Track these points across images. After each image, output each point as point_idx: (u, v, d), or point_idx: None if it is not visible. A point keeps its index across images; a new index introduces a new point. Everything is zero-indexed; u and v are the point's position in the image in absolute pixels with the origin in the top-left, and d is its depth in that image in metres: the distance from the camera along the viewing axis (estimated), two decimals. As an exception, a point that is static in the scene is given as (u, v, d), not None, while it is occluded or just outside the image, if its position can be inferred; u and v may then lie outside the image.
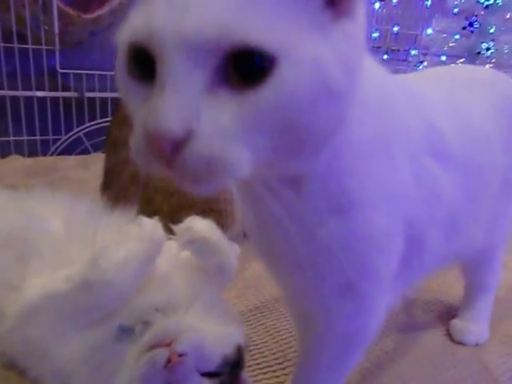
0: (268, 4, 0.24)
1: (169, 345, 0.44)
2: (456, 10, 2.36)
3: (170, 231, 0.59)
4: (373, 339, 0.44)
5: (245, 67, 0.24)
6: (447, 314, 0.75)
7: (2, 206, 0.64)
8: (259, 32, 0.23)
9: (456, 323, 0.71)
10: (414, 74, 0.58)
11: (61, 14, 1.53)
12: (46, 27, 1.53)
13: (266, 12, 0.24)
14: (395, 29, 2.18)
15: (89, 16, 1.63)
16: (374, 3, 2.24)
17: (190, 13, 0.24)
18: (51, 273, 0.55)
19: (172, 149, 0.24)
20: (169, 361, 0.43)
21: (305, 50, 0.25)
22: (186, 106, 0.24)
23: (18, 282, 0.55)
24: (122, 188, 0.80)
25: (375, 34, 2.21)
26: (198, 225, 0.58)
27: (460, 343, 0.69)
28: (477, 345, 0.68)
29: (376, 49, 2.21)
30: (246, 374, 0.53)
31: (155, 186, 0.79)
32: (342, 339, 0.43)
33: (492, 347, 0.68)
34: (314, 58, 0.25)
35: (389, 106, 0.37)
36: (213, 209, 0.78)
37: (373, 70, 0.34)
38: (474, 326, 0.70)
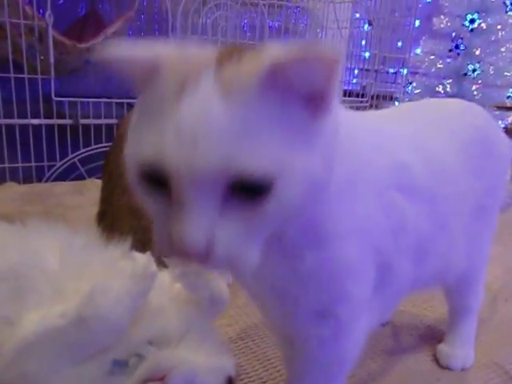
0: (263, 132, 0.29)
1: (161, 379, 0.46)
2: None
3: (163, 264, 0.61)
4: (354, 364, 0.46)
5: (248, 189, 0.29)
6: (434, 339, 0.77)
7: (5, 238, 0.66)
8: (258, 163, 0.28)
9: (442, 348, 0.73)
10: (385, 111, 0.61)
11: (56, 43, 1.57)
12: (42, 57, 1.57)
13: (262, 140, 0.29)
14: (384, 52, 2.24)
15: (84, 45, 1.67)
16: (363, 26, 2.31)
17: (198, 149, 0.28)
18: (47, 308, 0.56)
19: (197, 258, 0.30)
20: (160, 396, 0.45)
21: (296, 166, 0.30)
22: (203, 226, 0.29)
23: (14, 318, 0.57)
24: (118, 217, 0.82)
25: (367, 54, 2.27)
26: (190, 258, 0.60)
27: (446, 368, 0.70)
28: (463, 369, 0.70)
29: (366, 71, 2.27)
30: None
31: (150, 217, 0.82)
32: (322, 364, 0.45)
33: (477, 371, 0.70)
34: (304, 169, 0.30)
35: (355, 149, 0.40)
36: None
37: (341, 119, 0.38)
38: (460, 351, 0.71)
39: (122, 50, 0.31)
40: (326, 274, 0.39)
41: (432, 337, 0.78)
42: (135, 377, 0.49)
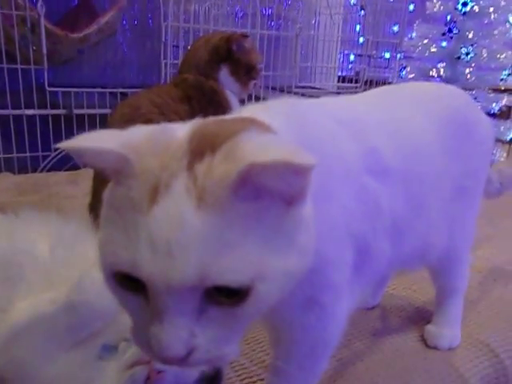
0: (238, 239, 0.28)
1: (148, 362, 0.48)
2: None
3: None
4: (337, 345, 0.48)
5: (226, 295, 0.29)
6: (422, 320, 0.78)
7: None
8: (234, 273, 0.28)
9: (429, 328, 0.74)
10: (359, 95, 0.61)
11: (48, 33, 1.56)
12: (35, 47, 1.56)
13: (238, 248, 0.28)
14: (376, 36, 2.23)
15: (76, 35, 1.67)
16: (357, 12, 2.30)
17: (172, 261, 0.27)
18: (37, 296, 0.58)
19: (177, 362, 0.30)
20: (148, 377, 0.46)
21: (275, 267, 0.30)
22: (182, 333, 0.29)
23: (5, 305, 0.58)
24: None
25: (361, 39, 2.26)
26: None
27: (434, 348, 0.72)
28: (450, 349, 0.72)
29: (359, 57, 2.26)
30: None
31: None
32: (307, 347, 0.46)
33: (463, 351, 0.71)
34: (283, 268, 0.30)
35: (322, 141, 0.41)
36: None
37: (310, 123, 0.39)
38: (447, 331, 0.73)
39: (92, 141, 0.30)
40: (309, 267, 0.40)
41: (420, 318, 0.79)
42: (124, 360, 0.50)
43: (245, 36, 0.98)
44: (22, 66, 1.59)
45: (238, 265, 0.28)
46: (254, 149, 0.28)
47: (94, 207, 0.87)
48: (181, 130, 0.32)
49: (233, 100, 1.01)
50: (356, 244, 0.44)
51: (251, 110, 0.40)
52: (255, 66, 1.00)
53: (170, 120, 0.86)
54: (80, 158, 0.31)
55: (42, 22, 1.54)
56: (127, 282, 0.30)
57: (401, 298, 0.87)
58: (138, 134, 0.31)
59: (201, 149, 0.29)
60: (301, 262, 0.32)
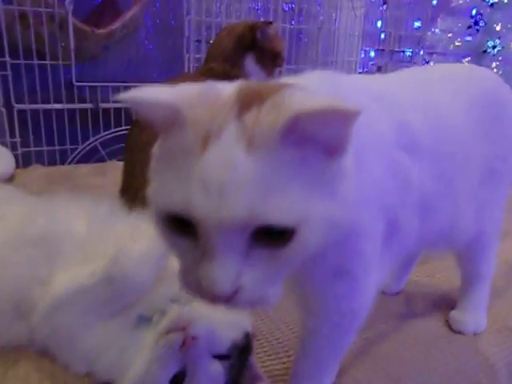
0: (286, 182, 0.30)
1: (184, 329, 0.50)
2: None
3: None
4: (364, 320, 0.49)
5: (272, 235, 0.31)
6: (446, 307, 0.78)
7: (30, 211, 0.70)
8: (281, 214, 0.30)
9: (454, 314, 0.74)
10: (392, 75, 0.62)
11: (75, 30, 1.61)
12: (63, 44, 1.61)
13: (285, 191, 0.30)
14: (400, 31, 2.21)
15: (102, 31, 1.71)
16: (380, 6, 2.29)
17: (224, 201, 0.29)
18: (76, 269, 0.61)
19: (223, 301, 0.32)
20: (184, 343, 0.48)
21: (318, 212, 0.31)
22: (231, 272, 0.31)
23: (47, 278, 0.61)
24: (140, 189, 0.86)
25: (382, 34, 2.25)
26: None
27: (459, 333, 0.72)
28: (475, 334, 0.72)
29: (381, 51, 2.25)
30: (254, 360, 0.58)
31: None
32: (336, 319, 0.48)
33: (489, 336, 0.71)
34: (326, 214, 0.32)
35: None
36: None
37: (344, 92, 0.40)
38: (472, 316, 0.73)
39: (148, 93, 0.32)
40: (342, 237, 0.42)
41: (445, 304, 0.79)
42: (159, 328, 0.52)
43: (269, 23, 1.00)
44: (51, 62, 1.64)
45: (285, 205, 0.30)
46: (301, 99, 0.30)
47: (125, 193, 0.90)
48: (227, 88, 0.34)
49: None
50: (386, 217, 0.45)
51: (287, 79, 0.42)
52: (280, 53, 1.02)
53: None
54: (137, 109, 0.33)
55: (70, 19, 1.59)
56: (178, 226, 0.32)
57: (424, 286, 0.87)
58: (189, 89, 0.33)
59: (249, 100, 0.31)
60: (342, 212, 0.33)
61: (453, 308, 0.76)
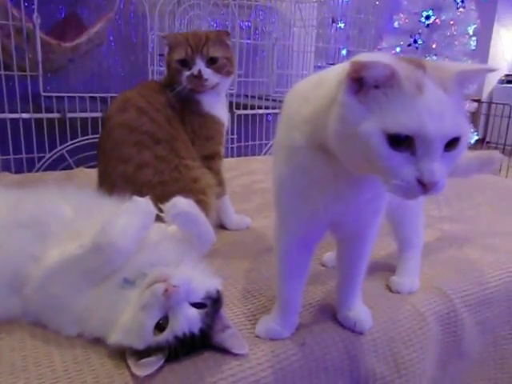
0: (460, 111, 0.51)
1: (165, 280, 0.59)
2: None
3: (159, 210, 0.74)
4: None
5: (449, 144, 0.50)
6: (386, 272, 0.91)
7: (21, 199, 0.78)
8: (461, 130, 0.51)
9: (393, 278, 0.87)
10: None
11: (43, 43, 1.67)
12: (30, 55, 1.67)
13: (461, 116, 0.51)
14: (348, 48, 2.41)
15: (68, 44, 1.78)
16: (338, 24, 2.48)
17: (443, 123, 0.48)
18: (66, 245, 0.69)
19: (434, 187, 0.49)
20: (166, 290, 0.58)
21: (466, 128, 0.52)
22: (440, 167, 0.50)
23: (40, 255, 0.69)
24: (114, 185, 0.95)
25: (343, 51, 2.45)
26: (182, 201, 0.74)
27: (397, 293, 0.85)
28: (409, 293, 0.85)
29: (331, 65, 2.43)
30: (224, 313, 0.68)
31: (141, 181, 0.96)
32: (371, 240, 0.71)
33: (421, 294, 0.85)
34: (468, 131, 0.53)
35: None
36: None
37: None
38: (407, 279, 0.86)
39: (371, 58, 0.48)
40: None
41: (384, 270, 0.92)
42: (143, 284, 0.62)
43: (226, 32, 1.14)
44: (19, 73, 1.70)
45: (462, 124, 0.51)
46: (451, 64, 0.55)
47: (102, 185, 1.01)
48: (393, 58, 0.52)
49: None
50: None
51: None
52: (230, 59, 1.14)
53: (153, 106, 1.00)
54: (363, 71, 0.48)
55: (38, 32, 1.65)
56: (397, 144, 0.49)
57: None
58: (387, 57, 0.50)
59: (420, 66, 0.51)
60: (470, 132, 0.53)
61: (392, 274, 0.89)
